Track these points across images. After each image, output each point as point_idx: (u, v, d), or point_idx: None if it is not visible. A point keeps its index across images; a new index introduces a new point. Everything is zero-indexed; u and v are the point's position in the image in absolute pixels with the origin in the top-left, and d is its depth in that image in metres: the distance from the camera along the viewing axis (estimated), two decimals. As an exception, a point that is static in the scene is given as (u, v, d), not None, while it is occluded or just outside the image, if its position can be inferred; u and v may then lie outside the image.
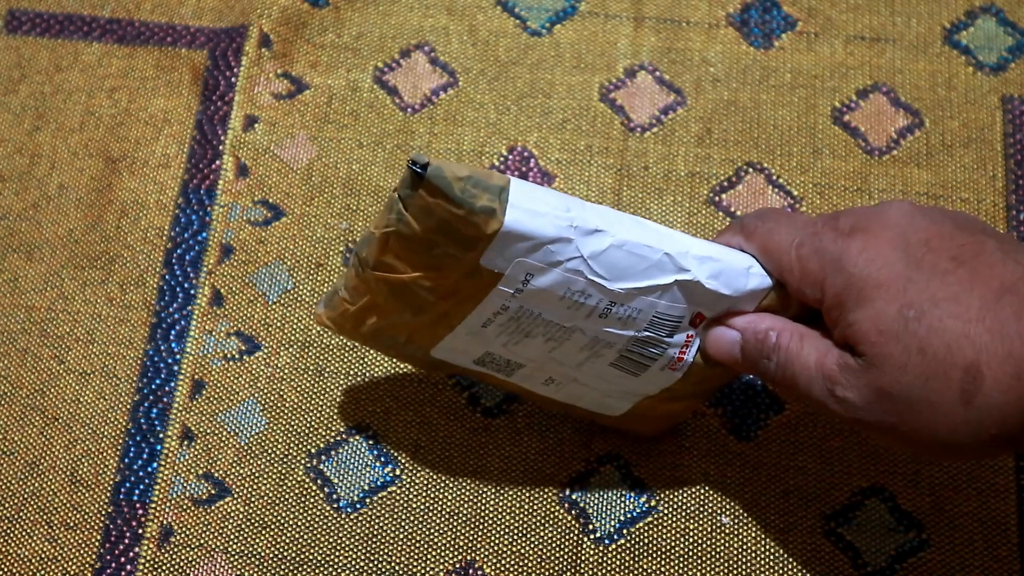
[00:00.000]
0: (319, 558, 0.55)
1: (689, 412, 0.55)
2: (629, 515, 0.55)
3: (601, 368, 0.50)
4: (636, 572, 0.54)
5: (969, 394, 0.42)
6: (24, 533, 0.55)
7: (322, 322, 0.52)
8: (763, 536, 0.55)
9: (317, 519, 0.56)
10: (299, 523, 0.55)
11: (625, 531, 0.55)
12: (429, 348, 0.51)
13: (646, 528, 0.55)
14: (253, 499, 0.56)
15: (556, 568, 0.55)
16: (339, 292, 0.50)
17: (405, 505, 0.56)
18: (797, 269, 0.46)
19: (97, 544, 0.55)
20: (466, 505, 0.56)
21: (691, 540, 0.55)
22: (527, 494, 0.56)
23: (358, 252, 0.48)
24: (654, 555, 0.55)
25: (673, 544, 0.55)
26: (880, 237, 0.45)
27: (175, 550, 0.55)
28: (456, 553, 0.55)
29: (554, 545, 0.55)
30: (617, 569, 0.55)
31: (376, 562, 0.55)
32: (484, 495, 0.56)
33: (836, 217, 0.47)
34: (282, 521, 0.56)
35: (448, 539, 0.55)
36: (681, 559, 0.55)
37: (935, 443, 0.44)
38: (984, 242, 0.44)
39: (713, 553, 0.55)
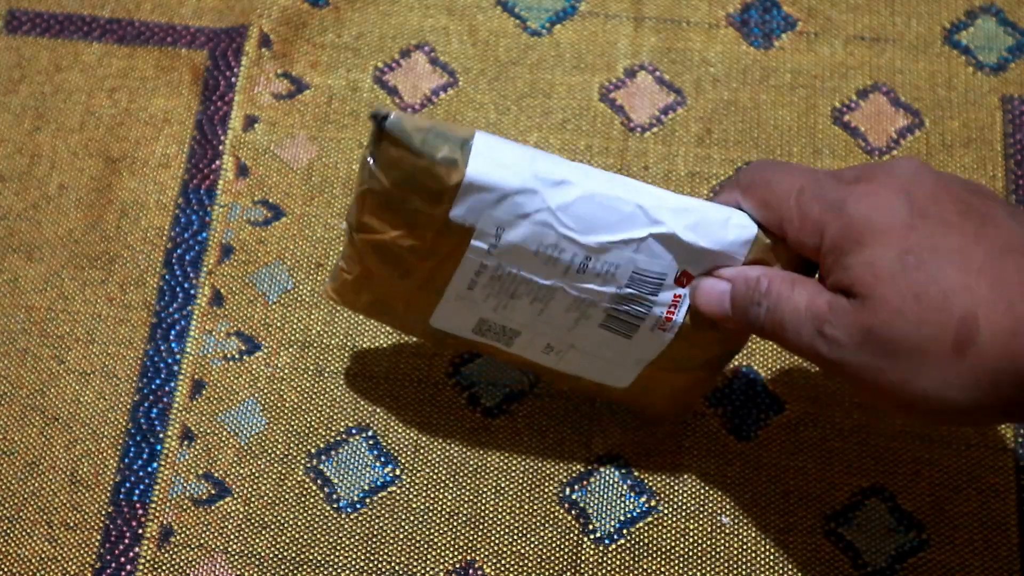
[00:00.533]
0: (319, 558, 0.55)
1: (700, 391, 0.54)
2: (629, 515, 0.55)
3: (593, 331, 0.49)
4: (636, 572, 0.54)
5: (963, 344, 0.41)
6: (24, 533, 0.55)
7: (329, 295, 0.53)
8: (763, 536, 0.55)
9: (317, 519, 0.56)
10: (299, 523, 0.55)
11: (625, 531, 0.55)
12: (427, 318, 0.51)
13: (646, 528, 0.55)
14: (253, 499, 0.56)
15: (556, 568, 0.55)
16: (339, 263, 0.51)
17: (405, 505, 0.56)
18: (797, 217, 0.45)
19: (97, 544, 0.55)
20: (466, 505, 0.56)
21: (691, 540, 0.55)
22: (527, 494, 0.56)
23: (348, 219, 0.49)
24: (654, 555, 0.55)
25: (673, 544, 0.55)
26: (886, 186, 0.43)
27: (175, 550, 0.55)
28: (456, 553, 0.55)
29: (554, 545, 0.55)
30: (617, 569, 0.55)
31: (376, 562, 0.55)
32: (484, 495, 0.56)
33: (839, 170, 0.46)
34: (282, 521, 0.56)
35: (448, 539, 0.55)
36: (681, 559, 0.55)
37: (921, 396, 0.42)
38: (992, 205, 0.43)
39: (713, 553, 0.55)
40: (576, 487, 0.56)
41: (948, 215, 0.42)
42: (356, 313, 0.56)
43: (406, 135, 0.44)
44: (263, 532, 0.55)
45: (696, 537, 0.55)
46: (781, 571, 0.54)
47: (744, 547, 0.55)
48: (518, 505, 0.56)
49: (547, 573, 0.55)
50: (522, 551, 0.55)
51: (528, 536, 0.55)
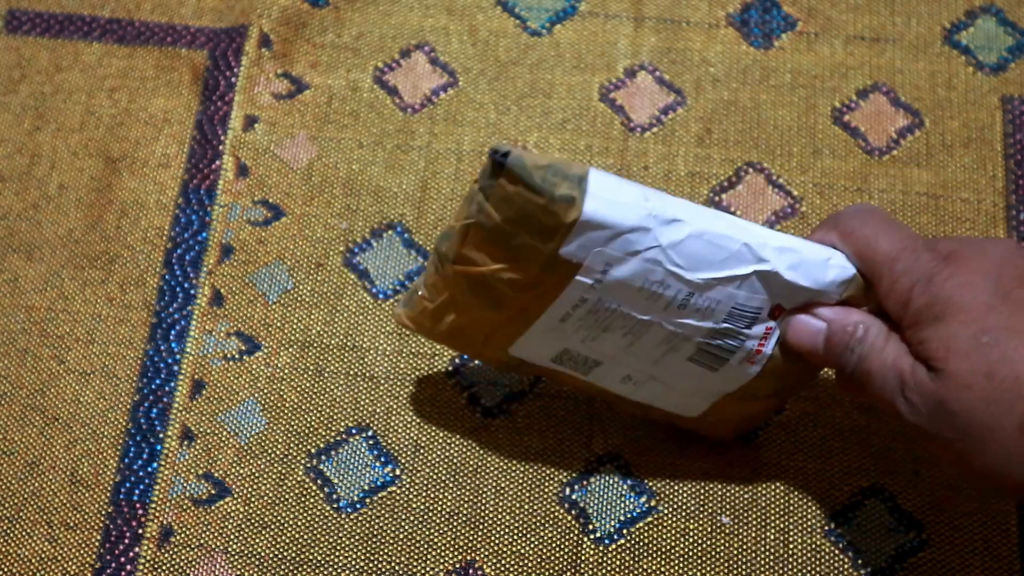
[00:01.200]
0: (319, 558, 0.55)
1: (765, 416, 0.55)
2: (629, 515, 0.55)
3: (679, 363, 0.50)
4: (636, 572, 0.54)
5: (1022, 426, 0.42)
6: (24, 533, 0.55)
7: (402, 322, 0.53)
8: (763, 536, 0.55)
9: (317, 519, 0.56)
10: (299, 523, 0.55)
11: (625, 531, 0.55)
12: (507, 346, 0.51)
13: (646, 528, 0.55)
14: (253, 499, 0.56)
15: (556, 568, 0.55)
16: (419, 291, 0.51)
17: (405, 505, 0.56)
18: (887, 283, 0.46)
19: (97, 544, 0.55)
20: (466, 505, 0.56)
21: (691, 540, 0.55)
22: (527, 494, 0.56)
23: (437, 248, 0.49)
24: (654, 555, 0.55)
25: (673, 544, 0.55)
26: (973, 265, 0.45)
27: (175, 550, 0.55)
28: (456, 553, 0.55)
29: (554, 545, 0.55)
30: (617, 569, 0.55)
31: (376, 562, 0.55)
32: (484, 495, 0.56)
33: (937, 239, 0.47)
34: (282, 521, 0.55)
35: (448, 539, 0.55)
36: (681, 559, 0.55)
37: (986, 470, 0.44)
38: None
39: (713, 553, 0.55)
40: (576, 487, 0.56)
41: None
42: (428, 340, 0.55)
43: (527, 172, 0.44)
44: (263, 532, 0.55)
45: (696, 537, 0.55)
46: (781, 571, 0.54)
47: (744, 547, 0.55)
48: (518, 505, 0.56)
49: (547, 573, 0.55)
50: (522, 551, 0.55)
51: (528, 536, 0.55)
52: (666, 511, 0.55)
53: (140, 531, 0.55)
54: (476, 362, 0.58)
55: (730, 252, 0.46)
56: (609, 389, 0.53)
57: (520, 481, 0.56)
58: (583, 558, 0.55)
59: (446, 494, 0.56)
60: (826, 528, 0.55)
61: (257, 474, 0.56)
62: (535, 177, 0.44)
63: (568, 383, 0.53)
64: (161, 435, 0.57)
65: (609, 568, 0.55)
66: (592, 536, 0.55)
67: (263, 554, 0.55)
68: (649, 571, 0.54)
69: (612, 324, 0.48)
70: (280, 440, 0.57)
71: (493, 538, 0.55)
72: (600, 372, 0.52)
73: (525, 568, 0.55)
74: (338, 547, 0.55)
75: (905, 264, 0.46)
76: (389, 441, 0.57)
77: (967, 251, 0.45)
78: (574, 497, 0.56)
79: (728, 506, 0.55)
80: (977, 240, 0.46)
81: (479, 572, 0.55)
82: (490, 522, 0.55)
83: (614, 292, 0.47)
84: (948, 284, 0.44)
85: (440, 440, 0.57)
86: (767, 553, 0.55)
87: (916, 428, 0.45)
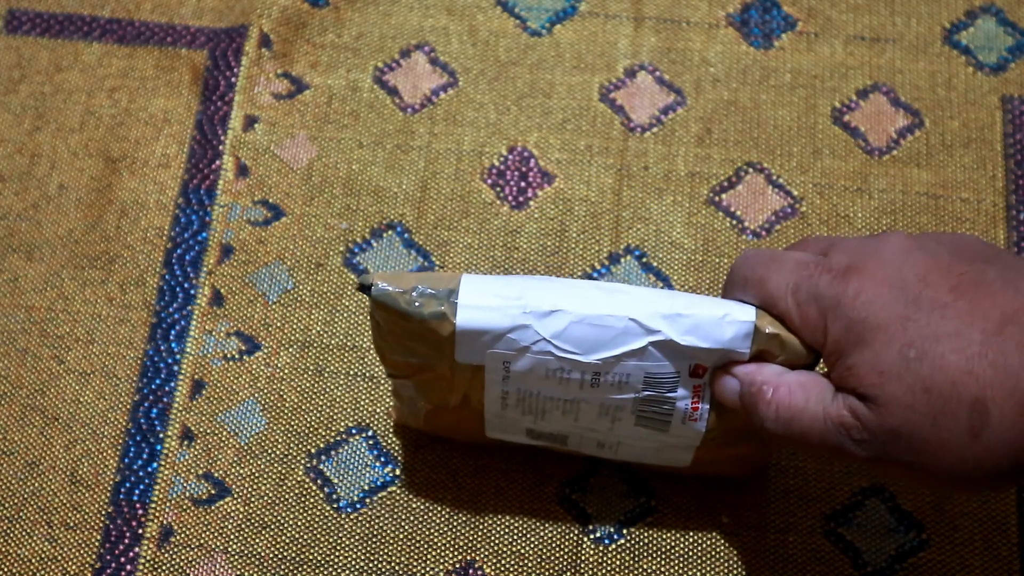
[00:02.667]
0: (319, 558, 0.55)
1: (767, 454, 0.54)
2: (629, 515, 0.55)
3: (631, 429, 0.50)
4: (636, 572, 0.54)
5: (976, 429, 0.42)
6: (24, 533, 0.55)
7: (399, 422, 0.56)
8: (763, 536, 0.55)
9: (317, 519, 0.56)
10: (299, 523, 0.55)
11: (625, 531, 0.55)
12: (481, 431, 0.53)
13: (646, 528, 0.55)
14: (253, 499, 0.56)
15: (556, 568, 0.55)
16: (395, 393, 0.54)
17: (405, 505, 0.56)
18: (796, 315, 0.45)
19: (97, 544, 0.55)
20: (466, 505, 0.56)
21: (691, 540, 0.55)
22: (527, 494, 0.56)
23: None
24: (654, 555, 0.55)
25: (673, 544, 0.55)
26: (876, 276, 0.44)
27: (175, 550, 0.55)
28: (456, 553, 0.55)
29: (554, 545, 0.55)
30: (617, 569, 0.55)
31: (376, 562, 0.55)
32: (484, 495, 0.56)
33: (828, 254, 0.46)
34: (282, 521, 0.56)
35: (448, 539, 0.55)
36: (681, 559, 0.55)
37: (949, 478, 0.43)
38: (983, 270, 0.43)
39: (713, 553, 0.55)
40: (576, 487, 0.56)
41: (941, 295, 0.43)
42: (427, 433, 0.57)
43: (393, 300, 0.46)
44: (263, 532, 0.55)
45: (696, 537, 0.55)
46: (781, 571, 0.54)
47: (744, 547, 0.55)
48: (518, 505, 0.56)
49: (547, 573, 0.55)
50: (522, 551, 0.55)
51: (528, 536, 0.55)
52: (666, 511, 0.55)
53: (140, 531, 0.55)
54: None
55: (618, 330, 0.46)
56: (593, 455, 0.53)
57: (520, 481, 0.56)
58: (583, 558, 0.55)
59: (446, 494, 0.56)
60: (826, 528, 0.55)
61: (257, 474, 0.56)
62: (401, 303, 0.46)
63: (562, 452, 0.54)
64: (161, 435, 0.57)
65: (609, 568, 0.55)
66: (592, 536, 0.55)
67: (263, 554, 0.55)
68: (649, 571, 0.54)
69: (546, 406, 0.49)
70: (280, 440, 0.57)
71: (493, 538, 0.55)
72: (574, 443, 0.52)
73: (525, 568, 0.55)
74: (338, 547, 0.55)
75: (806, 291, 0.45)
76: (389, 441, 0.57)
77: (863, 262, 0.44)
78: (574, 497, 0.56)
79: (728, 506, 0.55)
80: (868, 243, 0.45)
81: (479, 572, 0.55)
82: (490, 522, 0.55)
83: (527, 381, 0.48)
84: (857, 305, 0.43)
85: (440, 440, 0.57)
86: (767, 553, 0.55)
87: (872, 460, 0.44)
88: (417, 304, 0.46)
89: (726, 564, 0.55)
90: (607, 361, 0.47)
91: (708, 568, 0.55)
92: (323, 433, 0.57)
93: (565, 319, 0.46)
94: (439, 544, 0.55)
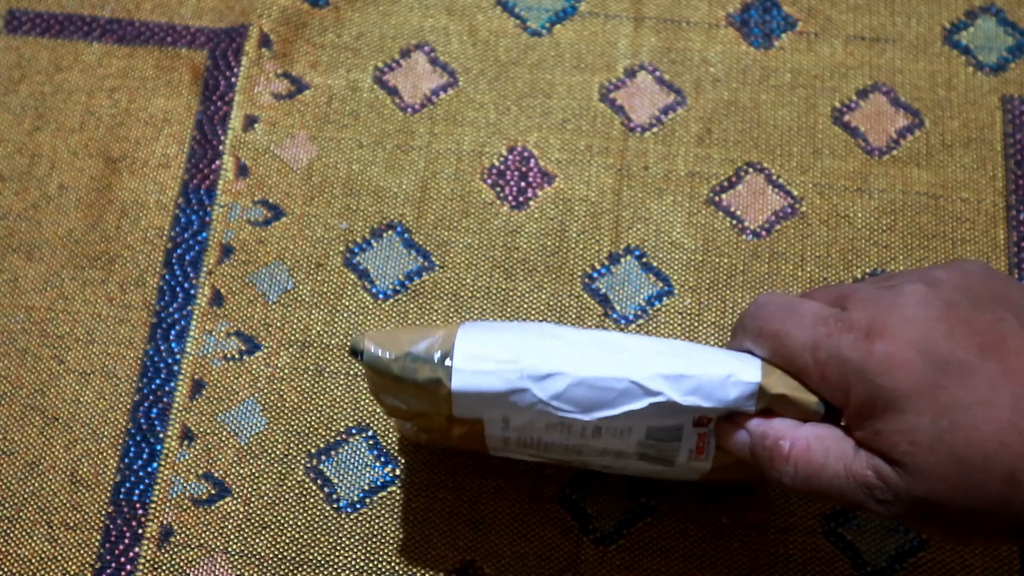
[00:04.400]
0: (319, 558, 0.55)
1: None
2: (629, 515, 0.55)
3: (634, 464, 0.50)
4: (636, 572, 0.54)
5: (1008, 499, 0.41)
6: (24, 533, 0.55)
7: (399, 432, 0.56)
8: (763, 536, 0.55)
9: (317, 519, 0.56)
10: (299, 523, 0.55)
11: (625, 531, 0.55)
12: (485, 449, 0.51)
13: (646, 528, 0.55)
14: (253, 499, 0.56)
15: (556, 568, 0.55)
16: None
17: (405, 505, 0.56)
18: (816, 375, 0.44)
19: (97, 544, 0.55)
20: (466, 505, 0.56)
21: (691, 540, 0.55)
22: (527, 494, 0.56)
23: None
24: (654, 555, 0.55)
25: (673, 544, 0.55)
26: (900, 339, 0.42)
27: (175, 550, 0.55)
28: (456, 553, 0.55)
29: (554, 545, 0.55)
30: (617, 569, 0.55)
31: (376, 562, 0.55)
32: (484, 495, 0.56)
33: (845, 307, 0.45)
34: (282, 521, 0.56)
35: (448, 539, 0.55)
36: (681, 559, 0.55)
37: (982, 537, 0.44)
38: (1004, 319, 0.43)
39: (713, 553, 0.55)
40: (576, 487, 0.56)
41: (969, 357, 0.42)
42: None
43: (385, 366, 0.46)
44: (263, 532, 0.55)
45: (696, 537, 0.55)
46: (781, 571, 0.54)
47: (744, 547, 0.55)
48: (518, 505, 0.56)
49: (547, 573, 0.55)
50: (522, 551, 0.55)
51: (528, 536, 0.55)
52: (666, 511, 0.55)
53: (140, 531, 0.55)
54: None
55: (618, 391, 0.45)
56: (600, 470, 0.52)
57: (520, 481, 0.56)
58: (583, 558, 0.55)
59: (446, 494, 0.56)
60: (826, 528, 0.55)
61: (257, 474, 0.56)
62: (394, 369, 0.46)
63: (566, 465, 0.53)
64: (161, 435, 0.57)
65: (609, 568, 0.55)
66: (592, 536, 0.55)
67: (263, 554, 0.55)
68: (649, 571, 0.54)
69: (549, 446, 0.49)
70: (280, 440, 0.57)
71: (493, 538, 0.55)
72: (582, 461, 0.51)
73: (525, 568, 0.55)
74: (338, 547, 0.55)
75: (826, 351, 0.44)
76: (389, 441, 0.57)
77: (884, 320, 0.43)
78: (573, 497, 0.56)
79: (728, 506, 0.55)
80: (887, 296, 0.44)
81: (479, 572, 0.55)
82: (490, 522, 0.55)
83: (528, 430, 0.48)
84: (884, 373, 0.42)
85: (440, 440, 0.57)
86: (767, 553, 0.55)
87: (897, 518, 0.44)
88: (411, 370, 0.46)
89: (726, 564, 0.55)
90: (607, 419, 0.46)
91: (708, 568, 0.55)
92: (323, 433, 0.57)
93: (564, 381, 0.45)
94: (439, 544, 0.55)
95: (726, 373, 0.45)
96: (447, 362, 0.46)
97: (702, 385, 0.45)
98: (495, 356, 0.45)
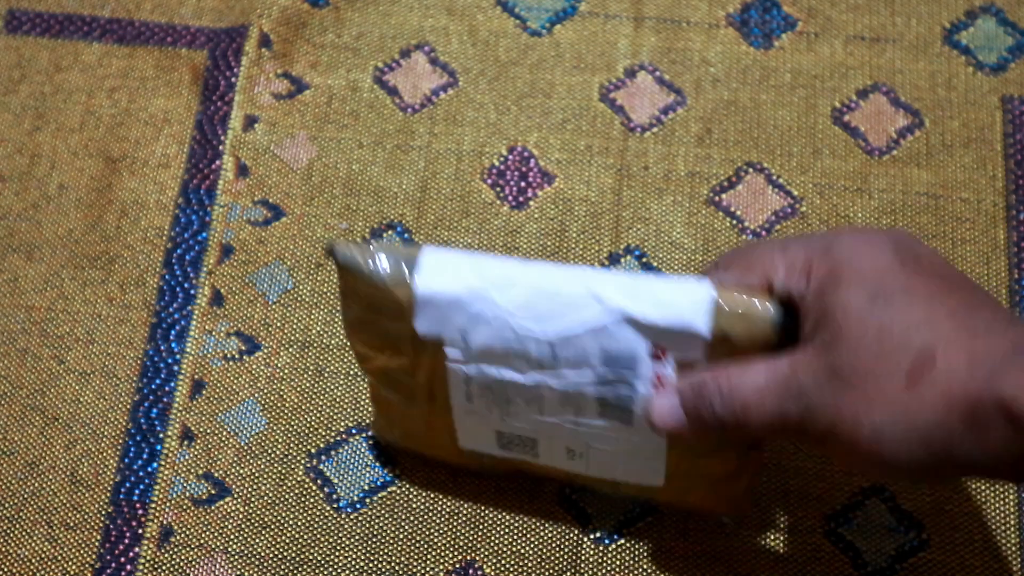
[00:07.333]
0: (319, 558, 0.55)
1: (743, 483, 0.52)
2: (629, 515, 0.55)
3: (596, 425, 0.50)
4: (636, 572, 0.55)
5: (916, 376, 0.41)
6: (24, 533, 0.55)
7: (376, 433, 0.56)
8: (763, 536, 0.55)
9: (317, 519, 0.56)
10: (299, 523, 0.55)
11: (625, 531, 0.55)
12: (455, 441, 0.53)
13: (646, 528, 0.55)
14: (253, 499, 0.56)
15: (556, 568, 0.55)
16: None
17: (405, 505, 0.56)
18: (783, 267, 0.45)
19: (97, 544, 0.55)
20: (466, 505, 0.56)
21: (691, 540, 0.55)
22: (527, 494, 0.56)
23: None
24: (654, 555, 0.55)
25: (673, 544, 0.55)
26: (874, 234, 0.44)
27: (175, 550, 0.55)
28: (456, 553, 0.55)
29: (554, 545, 0.55)
30: (617, 569, 0.55)
31: (376, 562, 0.55)
32: (484, 495, 0.56)
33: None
34: (282, 521, 0.56)
35: (448, 539, 0.55)
36: (681, 559, 0.55)
37: (870, 434, 0.41)
38: (973, 284, 0.44)
39: (713, 553, 0.55)
40: (576, 487, 0.56)
41: (927, 270, 0.43)
42: (402, 450, 0.56)
43: (355, 263, 0.47)
44: (263, 532, 0.55)
45: (696, 537, 0.55)
46: (781, 571, 0.54)
47: (744, 547, 0.55)
48: (518, 505, 0.56)
49: (547, 573, 0.55)
50: (522, 551, 0.55)
51: (528, 536, 0.55)
52: (666, 511, 0.55)
53: (140, 531, 0.55)
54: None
55: (575, 304, 0.46)
56: (562, 468, 0.53)
57: (520, 481, 0.56)
58: (583, 558, 0.55)
59: (446, 494, 0.56)
60: (826, 528, 0.55)
61: (257, 474, 0.56)
62: (364, 268, 0.47)
63: (536, 471, 0.54)
64: (161, 435, 0.57)
65: (609, 568, 0.55)
66: (592, 536, 0.55)
67: (263, 554, 0.55)
68: (649, 571, 0.54)
69: (509, 395, 0.49)
70: (280, 440, 0.57)
71: (493, 538, 0.55)
72: (545, 451, 0.52)
73: (525, 568, 0.55)
74: (338, 547, 0.55)
75: (797, 243, 0.45)
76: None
77: (866, 228, 0.44)
78: (574, 497, 0.56)
79: (728, 506, 0.55)
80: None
81: (479, 572, 0.55)
82: (490, 522, 0.55)
83: (486, 359, 0.48)
84: (846, 247, 0.44)
85: (440, 440, 0.57)
86: (767, 553, 0.55)
87: (804, 417, 0.43)
88: (379, 267, 0.47)
89: (726, 564, 0.55)
90: (561, 335, 0.47)
91: (708, 568, 0.55)
92: (323, 433, 0.57)
93: (522, 289, 0.46)
94: (439, 544, 0.55)
95: (681, 287, 0.46)
96: (413, 265, 0.47)
97: (657, 300, 0.46)
98: (459, 262, 0.47)
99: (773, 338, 0.45)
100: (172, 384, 0.58)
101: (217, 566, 0.55)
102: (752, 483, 0.53)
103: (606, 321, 0.46)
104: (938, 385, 0.40)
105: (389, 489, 0.56)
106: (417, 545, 0.55)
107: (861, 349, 0.42)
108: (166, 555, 0.55)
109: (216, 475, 0.56)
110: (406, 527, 0.55)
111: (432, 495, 0.56)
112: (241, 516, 0.56)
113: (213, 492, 0.56)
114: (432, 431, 0.53)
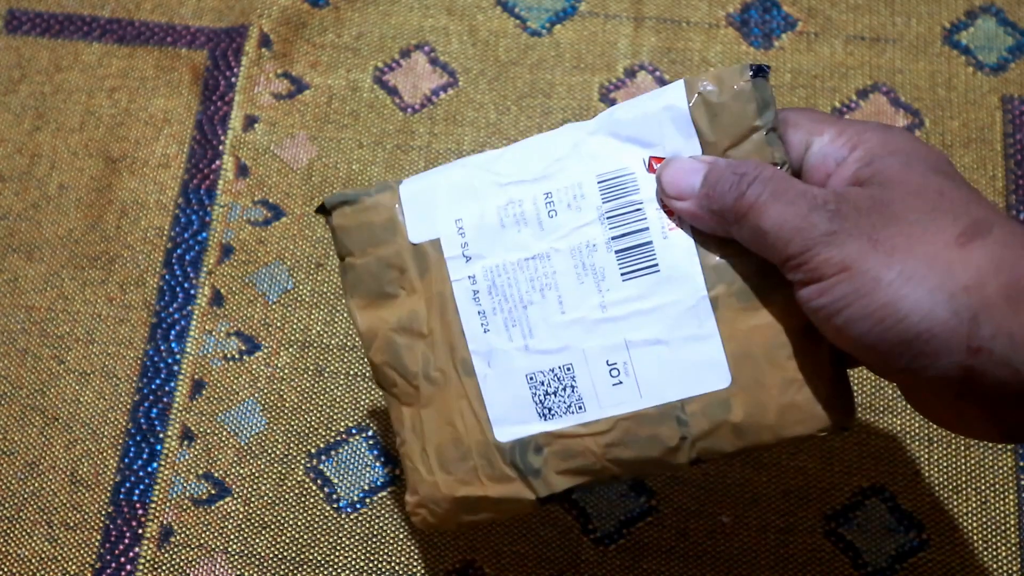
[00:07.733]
0: (319, 558, 0.55)
1: (821, 352, 0.44)
2: (629, 515, 0.55)
3: (623, 290, 0.46)
4: (636, 572, 0.54)
5: (969, 235, 0.39)
6: (24, 533, 0.55)
7: (413, 512, 0.49)
8: (763, 536, 0.55)
9: (317, 519, 0.56)
10: (299, 523, 0.55)
11: (625, 531, 0.55)
12: (489, 433, 0.47)
13: (646, 528, 0.55)
14: (253, 499, 0.56)
15: (556, 568, 0.55)
16: (402, 456, 0.49)
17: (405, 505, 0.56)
18: (835, 129, 0.43)
19: (97, 544, 0.55)
20: (466, 505, 0.56)
21: (691, 540, 0.55)
22: (527, 494, 0.56)
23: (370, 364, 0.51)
24: (654, 555, 0.55)
25: (673, 544, 0.55)
26: (927, 145, 0.43)
27: (175, 550, 0.55)
28: (456, 553, 0.55)
29: (554, 545, 0.55)
30: (617, 569, 0.55)
31: (376, 562, 0.55)
32: (484, 495, 0.56)
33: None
34: (282, 521, 0.56)
35: (448, 539, 0.55)
36: (681, 559, 0.55)
37: (895, 280, 0.39)
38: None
39: (713, 553, 0.55)
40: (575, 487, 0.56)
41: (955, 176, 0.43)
42: (454, 529, 0.53)
43: (343, 195, 0.48)
44: (263, 532, 0.55)
45: (696, 537, 0.55)
46: (781, 571, 0.54)
47: (744, 547, 0.55)
48: (518, 505, 0.56)
49: (547, 573, 0.55)
50: (522, 551, 0.55)
51: (528, 536, 0.55)
52: (666, 511, 0.55)
53: (140, 531, 0.55)
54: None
55: (554, 140, 0.47)
56: (614, 416, 0.46)
57: (520, 481, 0.56)
58: (583, 558, 0.55)
59: (446, 494, 0.56)
60: (826, 528, 0.55)
61: (257, 474, 0.56)
62: (351, 195, 0.48)
63: (601, 475, 0.47)
64: (161, 435, 0.57)
65: (609, 568, 0.55)
66: (592, 536, 0.55)
67: (263, 554, 0.55)
68: (649, 571, 0.54)
69: (520, 288, 0.47)
70: (280, 440, 0.57)
71: (493, 538, 0.55)
72: (586, 383, 0.46)
73: (525, 568, 0.55)
74: (338, 547, 0.55)
75: (850, 122, 0.44)
76: (389, 441, 0.57)
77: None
78: (574, 497, 0.56)
79: (728, 506, 0.55)
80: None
81: (479, 572, 0.55)
82: (490, 522, 0.55)
83: (486, 247, 0.47)
84: (904, 139, 0.43)
85: (440, 440, 0.57)
86: (767, 553, 0.55)
87: (829, 236, 0.40)
88: (364, 191, 0.48)
89: (726, 564, 0.55)
90: (547, 171, 0.46)
91: (708, 568, 0.55)
92: (323, 433, 0.57)
93: (503, 152, 0.47)
94: (439, 544, 0.55)
95: (656, 90, 0.46)
96: (396, 182, 0.48)
97: (632, 102, 0.46)
98: (440, 168, 0.48)
99: (755, 93, 0.44)
100: (172, 384, 0.58)
101: (217, 566, 0.55)
102: (841, 379, 0.46)
103: (588, 138, 0.46)
104: (989, 250, 0.39)
105: (389, 489, 0.56)
106: (417, 545, 0.55)
107: (918, 198, 0.40)
108: (166, 555, 0.55)
109: (216, 475, 0.56)
110: (406, 527, 0.55)
111: (432, 495, 0.56)
112: (241, 516, 0.56)
113: (213, 492, 0.56)
114: (465, 429, 0.47)
